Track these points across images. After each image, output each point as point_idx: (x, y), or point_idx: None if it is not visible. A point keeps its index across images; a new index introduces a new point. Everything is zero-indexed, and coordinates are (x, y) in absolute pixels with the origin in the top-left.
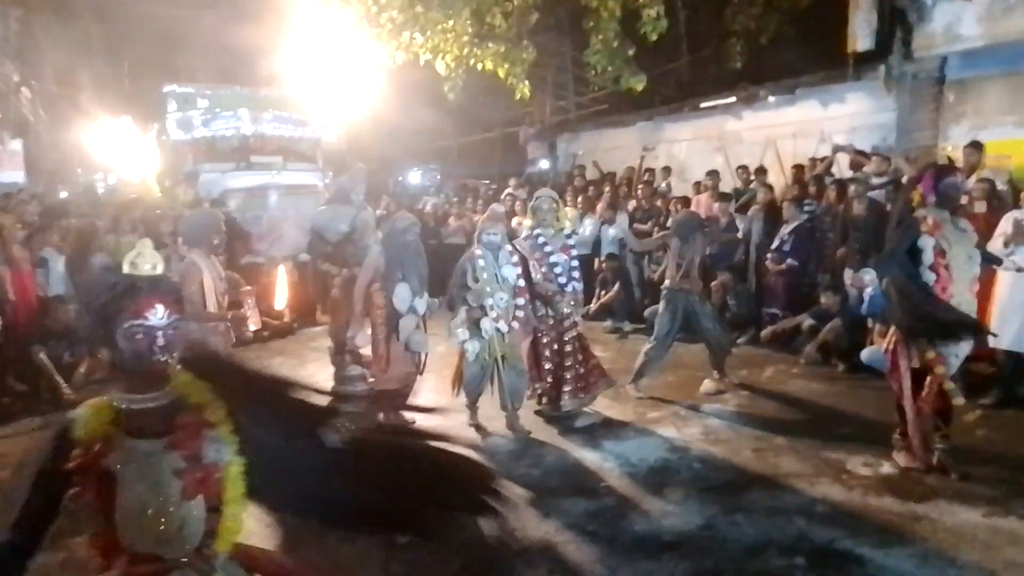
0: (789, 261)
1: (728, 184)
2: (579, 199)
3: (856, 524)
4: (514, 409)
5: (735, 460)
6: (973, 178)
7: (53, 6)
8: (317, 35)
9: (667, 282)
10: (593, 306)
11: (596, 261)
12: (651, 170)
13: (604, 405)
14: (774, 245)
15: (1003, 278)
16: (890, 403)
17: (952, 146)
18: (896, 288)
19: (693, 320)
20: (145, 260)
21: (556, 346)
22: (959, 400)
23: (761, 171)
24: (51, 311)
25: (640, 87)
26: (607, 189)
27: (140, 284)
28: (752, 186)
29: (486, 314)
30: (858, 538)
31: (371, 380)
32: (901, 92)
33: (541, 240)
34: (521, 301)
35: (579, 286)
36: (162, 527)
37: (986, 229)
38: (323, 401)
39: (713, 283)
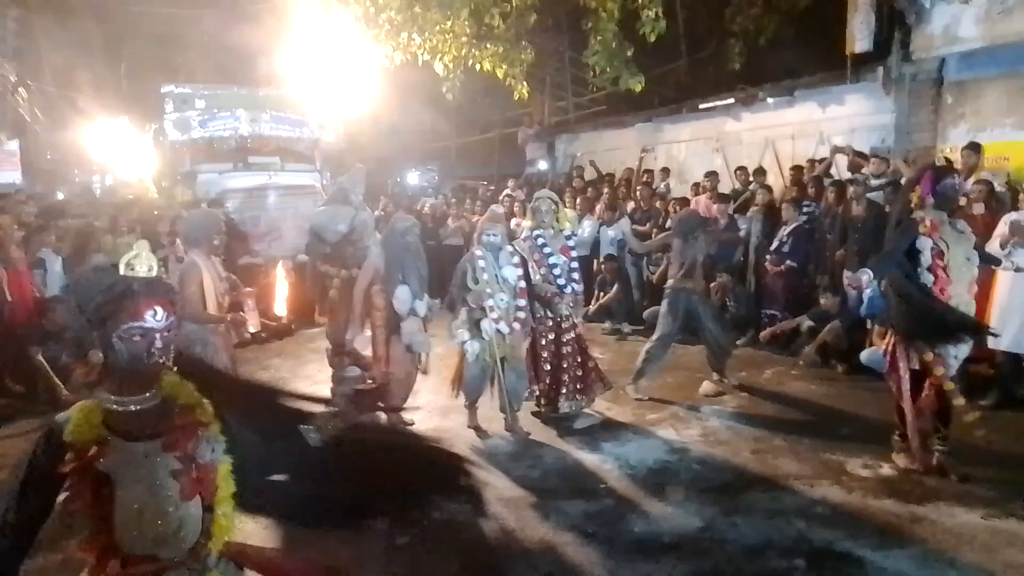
0: (788, 262)
1: (727, 185)
2: (578, 200)
3: (855, 526)
4: (513, 411)
5: (734, 461)
6: (971, 179)
7: (51, 6)
8: (315, 35)
9: (670, 281)
10: (592, 307)
11: (595, 262)
12: (650, 171)
13: (603, 406)
14: (773, 246)
15: (1002, 279)
16: (889, 404)
17: (951, 147)
18: (894, 290)
19: (695, 320)
20: (142, 262)
21: (554, 348)
22: (959, 400)
23: (760, 172)
24: (49, 312)
25: (639, 88)
26: (606, 190)
27: (138, 286)
28: (751, 187)
29: (486, 315)
30: (857, 540)
31: (370, 381)
32: (900, 93)
33: (540, 241)
34: (522, 302)
35: (579, 287)
36: (160, 528)
37: (985, 230)
38: (308, 403)
39: (712, 284)
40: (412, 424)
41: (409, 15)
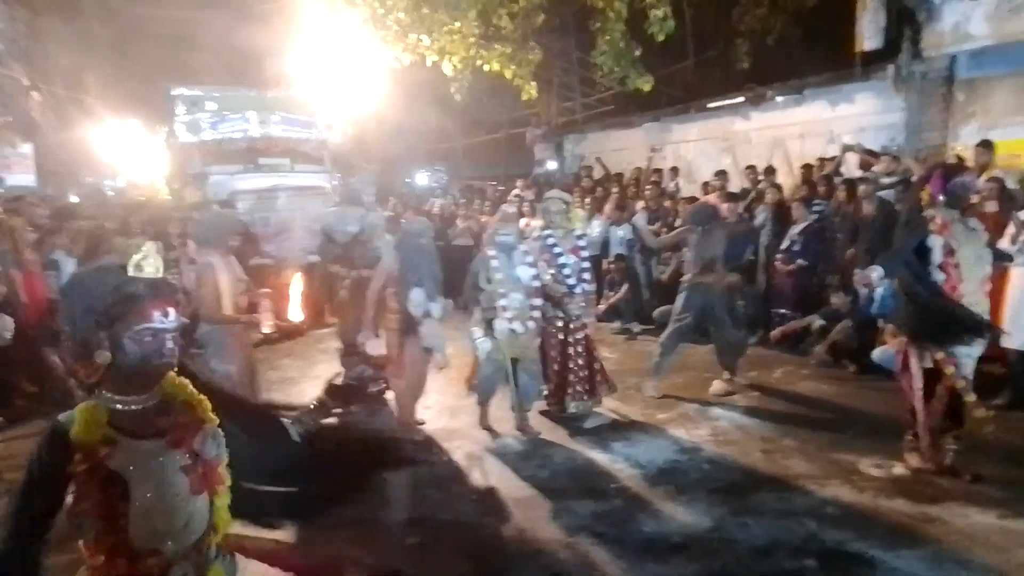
0: (798, 261)
1: (736, 184)
2: (587, 200)
3: (867, 526)
4: (524, 410)
5: (744, 461)
6: (983, 177)
7: (61, 9)
8: (324, 37)
9: (687, 276)
10: (601, 307)
11: (604, 262)
12: (659, 171)
13: (613, 406)
14: (783, 245)
15: (1015, 276)
16: (901, 404)
17: (962, 146)
18: (904, 290)
19: (710, 316)
20: (150, 263)
21: (563, 348)
22: (971, 397)
23: (769, 171)
24: (60, 313)
25: (647, 88)
26: (615, 190)
27: (149, 287)
28: (760, 186)
29: (499, 315)
30: (869, 540)
31: (381, 382)
32: (910, 92)
33: (550, 241)
34: (538, 302)
35: (589, 287)
36: (171, 524)
37: (996, 228)
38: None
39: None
40: (424, 423)
41: (417, 16)
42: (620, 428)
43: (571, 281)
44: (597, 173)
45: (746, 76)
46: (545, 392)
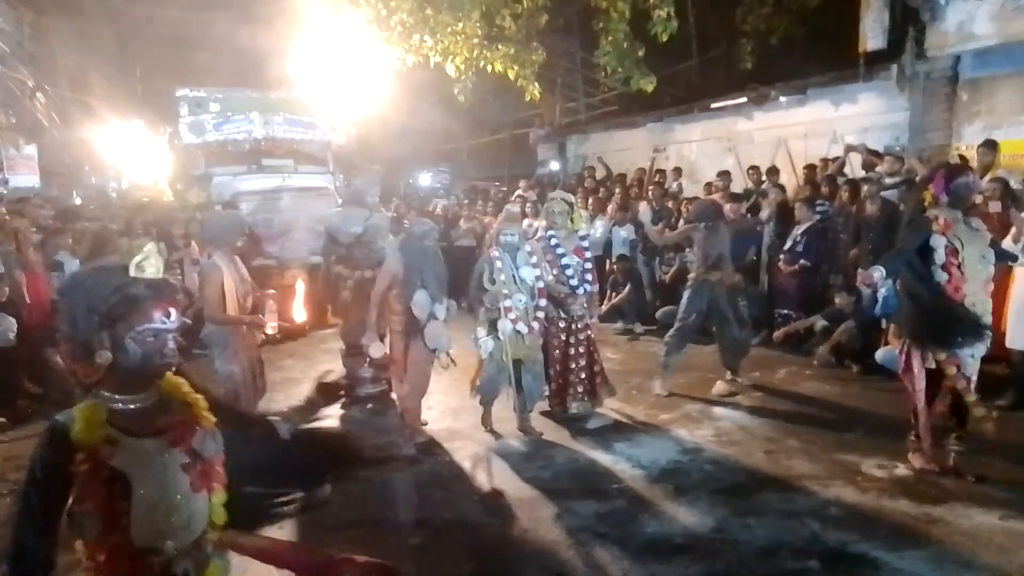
0: (802, 262)
1: (739, 185)
2: (590, 200)
3: (870, 527)
4: (527, 411)
5: (747, 462)
6: (987, 178)
7: (66, 11)
8: (328, 38)
9: (693, 273)
10: (604, 308)
11: (607, 263)
12: (662, 171)
13: (616, 407)
14: (787, 246)
15: (1019, 277)
16: (904, 404)
17: (966, 146)
18: (906, 292)
19: (716, 314)
20: (151, 264)
21: (566, 348)
22: (971, 397)
23: (773, 171)
24: (60, 312)
25: (650, 88)
26: (618, 190)
27: (151, 287)
28: (763, 186)
29: (503, 315)
30: (872, 541)
31: (383, 383)
32: (914, 91)
33: (553, 242)
34: (543, 302)
35: (592, 288)
36: (173, 521)
37: (1001, 228)
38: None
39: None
40: (427, 424)
41: (421, 17)
42: (623, 429)
43: (574, 282)
44: (599, 173)
45: (749, 76)
46: (547, 393)
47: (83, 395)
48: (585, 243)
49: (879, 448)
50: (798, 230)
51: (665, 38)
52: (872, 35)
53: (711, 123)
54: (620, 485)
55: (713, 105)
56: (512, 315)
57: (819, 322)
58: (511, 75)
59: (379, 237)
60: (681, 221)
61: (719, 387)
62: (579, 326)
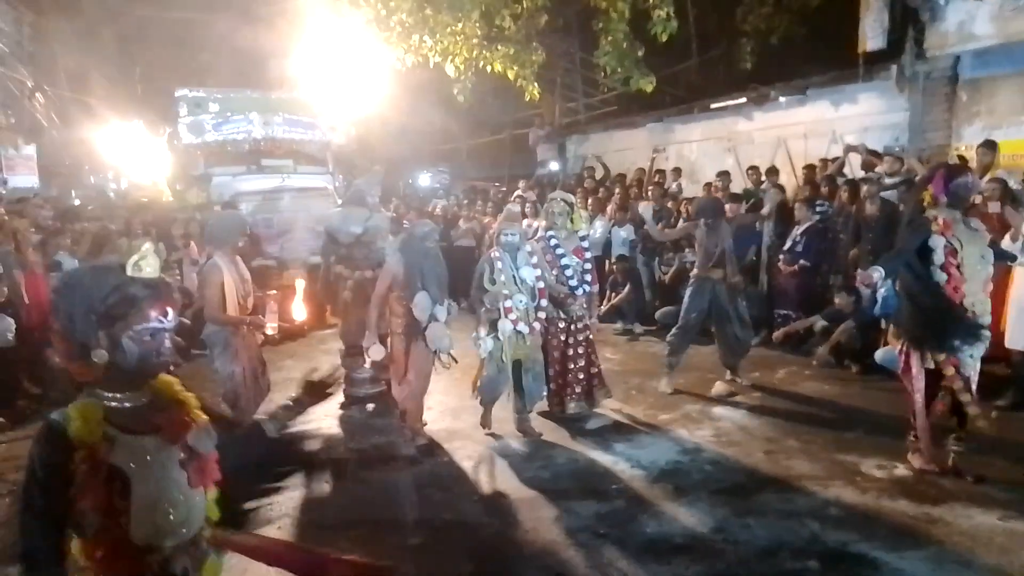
0: (801, 262)
1: (739, 185)
2: (589, 201)
3: (870, 527)
4: (527, 412)
5: (747, 462)
6: (986, 178)
7: (66, 11)
8: (327, 38)
9: (695, 271)
10: (603, 308)
11: (607, 263)
12: (662, 171)
13: (615, 407)
14: (786, 246)
15: (1019, 276)
16: (904, 405)
17: (965, 146)
18: (906, 294)
19: (717, 312)
20: (149, 263)
21: (565, 349)
22: (966, 397)
23: (772, 172)
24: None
25: (650, 88)
26: (617, 190)
27: (150, 287)
28: (763, 187)
29: (503, 316)
30: (872, 541)
31: (382, 383)
32: (913, 92)
33: (553, 243)
34: (544, 303)
35: (591, 289)
36: (172, 518)
37: (1000, 228)
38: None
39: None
40: (426, 424)
41: (420, 17)
42: (622, 429)
43: (573, 282)
44: (598, 173)
45: (749, 76)
46: (545, 393)
47: (77, 394)
48: (585, 243)
49: (879, 448)
50: (798, 230)
51: (665, 38)
52: (872, 35)
53: (711, 123)
54: (620, 485)
55: (713, 105)
56: (512, 315)
57: (819, 322)
58: (511, 75)
59: (379, 237)
60: (681, 221)
61: (719, 387)
62: (578, 327)
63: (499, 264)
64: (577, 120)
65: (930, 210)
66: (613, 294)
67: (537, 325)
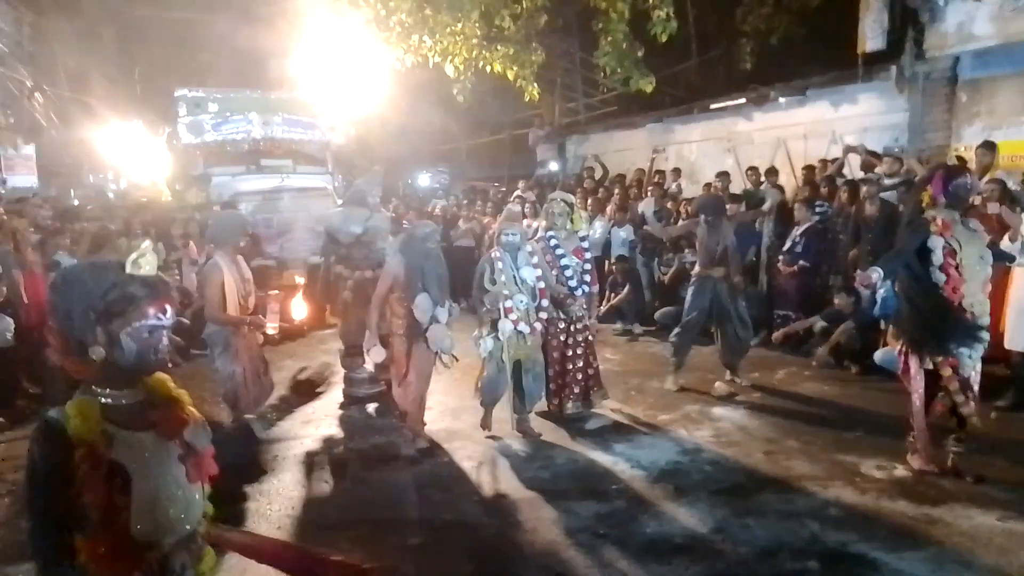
0: (801, 262)
1: (738, 185)
2: (589, 201)
3: (869, 527)
4: (526, 412)
5: (747, 463)
6: (985, 179)
7: (66, 11)
8: (327, 38)
9: (696, 269)
10: (603, 308)
11: (606, 263)
12: (661, 172)
13: (615, 407)
14: (786, 246)
15: (1018, 277)
16: (903, 405)
17: (965, 146)
18: (905, 295)
19: (718, 310)
20: (147, 261)
21: (564, 349)
22: (960, 398)
23: (772, 172)
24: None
25: (649, 88)
26: (617, 191)
27: (149, 284)
28: (763, 187)
29: (503, 316)
30: (871, 542)
31: (382, 383)
32: (913, 92)
33: (553, 243)
34: (545, 303)
35: (591, 289)
36: (171, 513)
37: (999, 229)
38: None
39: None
40: (426, 425)
41: (420, 17)
42: (622, 429)
43: (573, 283)
44: (598, 173)
45: (749, 77)
46: (544, 394)
47: (72, 391)
48: (584, 244)
49: (878, 449)
50: (797, 231)
51: (665, 38)
52: (871, 36)
53: (710, 123)
54: (620, 486)
55: (713, 106)
56: (513, 315)
57: (818, 323)
58: (510, 75)
59: (379, 238)
60: (681, 220)
61: (718, 387)
62: (578, 327)
63: (499, 264)
64: (577, 120)
65: (929, 211)
66: (613, 294)
67: (538, 325)
